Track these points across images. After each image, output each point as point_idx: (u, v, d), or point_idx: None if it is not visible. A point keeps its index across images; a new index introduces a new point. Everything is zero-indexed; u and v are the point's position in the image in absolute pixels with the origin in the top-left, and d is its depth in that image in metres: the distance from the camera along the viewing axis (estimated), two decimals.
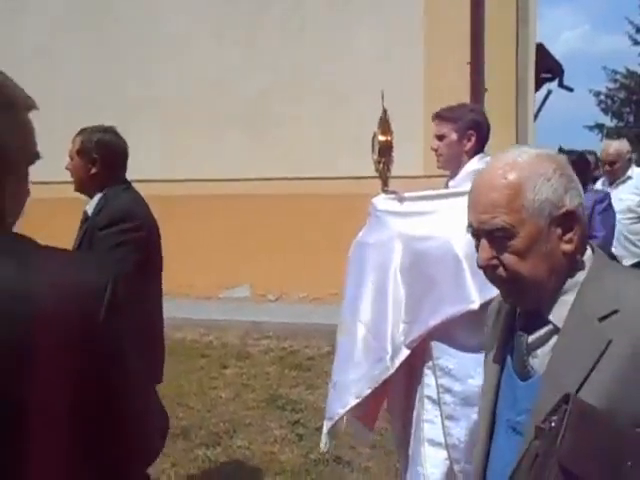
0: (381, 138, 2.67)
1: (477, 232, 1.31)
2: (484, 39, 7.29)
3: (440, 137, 2.61)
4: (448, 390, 2.37)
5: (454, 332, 2.36)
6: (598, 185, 5.62)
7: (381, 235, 2.52)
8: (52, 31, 8.14)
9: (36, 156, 1.08)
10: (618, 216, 4.83)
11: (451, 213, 2.37)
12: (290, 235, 7.50)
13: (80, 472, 0.92)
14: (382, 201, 2.63)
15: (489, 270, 1.27)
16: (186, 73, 7.95)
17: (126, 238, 2.50)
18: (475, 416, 2.29)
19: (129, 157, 2.85)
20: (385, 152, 2.65)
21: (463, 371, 2.35)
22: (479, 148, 2.60)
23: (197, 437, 4.22)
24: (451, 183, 2.62)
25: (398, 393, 2.62)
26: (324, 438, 2.59)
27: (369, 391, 2.42)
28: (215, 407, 4.75)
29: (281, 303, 7.78)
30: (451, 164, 2.62)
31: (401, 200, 2.59)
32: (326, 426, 2.56)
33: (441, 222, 2.41)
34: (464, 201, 2.47)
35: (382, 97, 2.68)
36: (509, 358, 1.33)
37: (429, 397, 2.44)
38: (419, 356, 2.44)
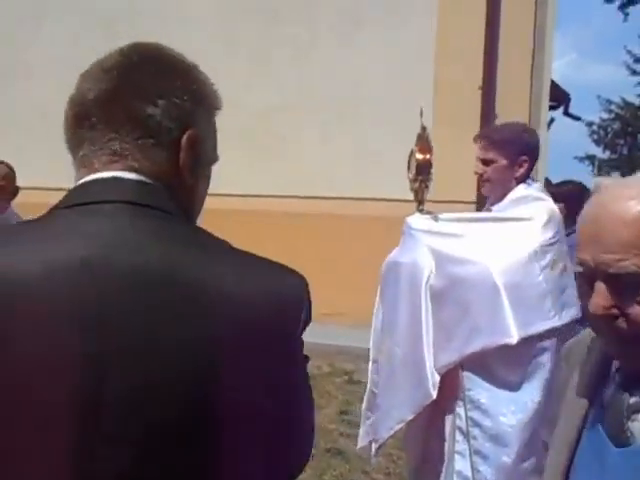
0: (419, 156, 2.56)
1: (592, 273, 1.05)
2: (497, 64, 7.29)
3: (486, 162, 2.46)
4: (477, 424, 2.28)
5: (488, 365, 2.27)
6: None
7: (414, 255, 2.42)
8: (67, 44, 8.05)
9: (217, 157, 1.05)
10: None
11: (490, 238, 2.32)
12: (288, 254, 7.40)
13: (254, 473, 0.92)
14: (417, 220, 2.51)
15: (604, 320, 1.04)
16: None
17: None
18: (506, 458, 2.22)
19: None
20: (423, 171, 2.56)
21: (495, 407, 2.26)
22: (529, 173, 2.49)
23: None
24: (494, 208, 2.51)
25: (418, 424, 2.50)
26: (373, 459, 2.61)
27: (412, 416, 2.35)
28: None
29: None
30: (498, 190, 2.50)
31: (437, 220, 2.48)
32: (374, 448, 2.51)
33: (479, 246, 2.32)
34: (506, 227, 2.39)
35: (421, 114, 2.61)
36: (595, 415, 1.13)
37: (460, 429, 2.35)
38: (448, 385, 2.34)
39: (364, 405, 2.66)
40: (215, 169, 1.07)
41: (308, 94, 7.55)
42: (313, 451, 3.63)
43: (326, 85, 7.53)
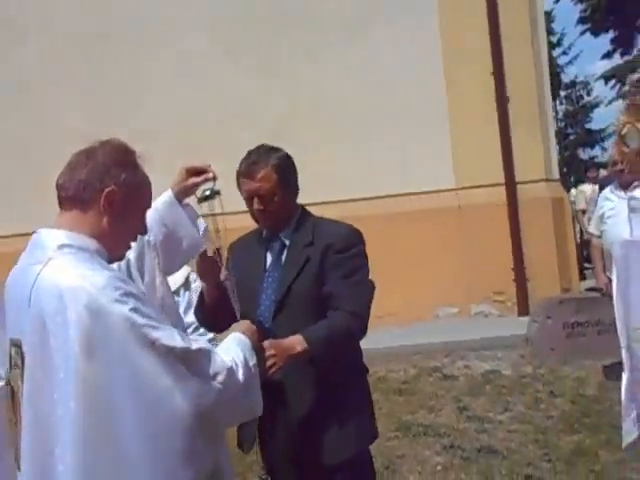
0: None
1: None
2: (502, 49, 7.44)
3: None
4: None
5: None
6: (607, 192, 5.14)
7: None
8: (52, 60, 7.73)
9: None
10: None
11: None
12: None
13: None
14: None
15: None
16: (200, 99, 7.68)
17: None
18: None
19: None
20: None
21: None
22: None
23: None
24: None
25: None
26: None
27: None
28: None
29: None
30: None
31: None
32: None
33: None
34: None
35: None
36: None
37: None
38: None
39: (624, 397, 2.70)
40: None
41: (327, 100, 7.62)
42: (461, 453, 3.88)
43: (341, 88, 7.61)
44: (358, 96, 7.56)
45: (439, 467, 3.97)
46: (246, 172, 2.13)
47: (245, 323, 1.80)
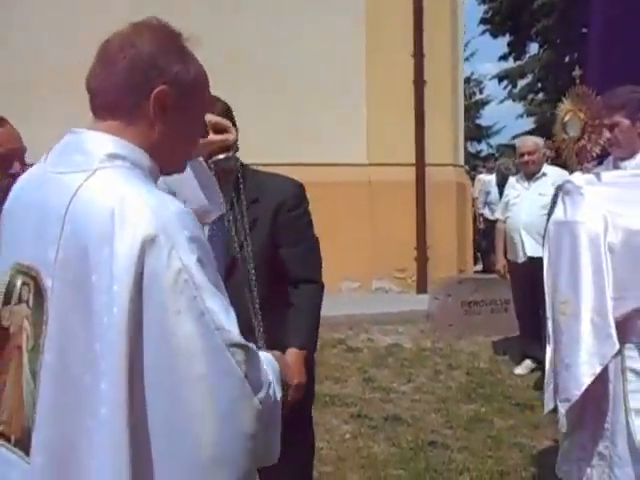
0: (582, 116, 2.63)
1: None
2: (423, 34, 7.62)
3: (611, 127, 2.62)
4: None
5: None
6: (512, 182, 5.71)
7: (587, 213, 2.54)
8: None
9: None
10: (540, 211, 4.84)
11: None
12: None
13: None
14: (581, 179, 2.63)
15: None
16: None
17: None
18: None
19: None
20: (588, 130, 2.63)
21: None
22: None
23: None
24: (631, 163, 2.65)
25: None
26: (562, 420, 2.57)
27: (600, 369, 2.45)
28: None
29: None
30: (627, 150, 2.65)
31: (599, 179, 2.61)
32: (563, 408, 2.53)
33: None
34: None
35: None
36: None
37: (632, 369, 2.50)
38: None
39: (547, 367, 2.72)
40: None
41: (242, 61, 7.47)
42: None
43: (260, 53, 7.52)
44: (280, 66, 7.50)
45: (348, 435, 4.07)
46: None
47: (276, 353, 1.35)
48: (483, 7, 22.19)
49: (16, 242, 1.17)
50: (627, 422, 2.48)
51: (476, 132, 28.49)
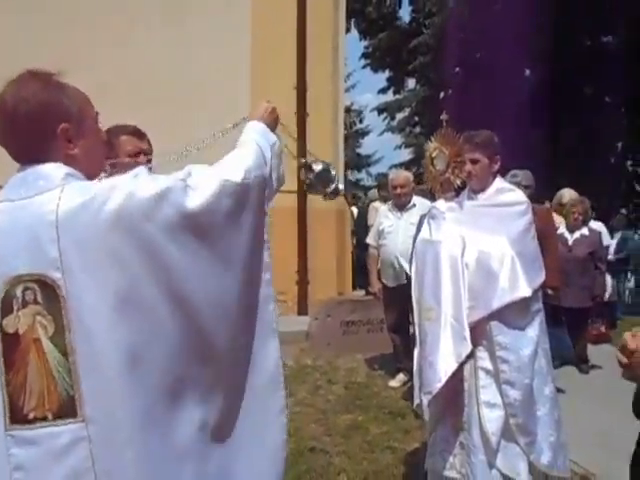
0: (446, 151, 3.13)
1: None
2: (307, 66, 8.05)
3: (474, 161, 3.08)
4: (505, 361, 2.89)
5: (507, 315, 2.90)
6: (385, 211, 6.04)
7: (448, 234, 3.02)
8: None
9: None
10: (409, 240, 4.95)
11: (501, 221, 3.00)
12: None
13: None
14: (444, 206, 3.13)
15: None
16: None
17: None
18: (527, 381, 2.89)
19: None
20: (452, 163, 3.13)
21: (515, 344, 2.90)
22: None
23: None
24: (483, 196, 3.12)
25: None
26: (425, 410, 2.98)
27: (457, 365, 2.86)
28: None
29: None
30: (482, 184, 3.12)
31: (461, 207, 3.11)
32: (426, 399, 2.93)
33: (493, 227, 2.97)
34: (505, 210, 3.04)
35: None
36: None
37: (483, 368, 2.95)
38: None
39: (415, 367, 3.14)
40: None
41: (126, 76, 7.44)
42: None
43: (144, 68, 7.54)
44: (165, 71, 7.56)
45: None
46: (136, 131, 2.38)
47: (259, 109, 1.87)
48: (364, 42, 23.31)
49: (6, 260, 1.38)
50: (479, 413, 2.92)
51: (357, 161, 29.63)
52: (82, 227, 1.34)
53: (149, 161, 2.62)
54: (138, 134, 2.52)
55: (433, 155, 3.19)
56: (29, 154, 1.44)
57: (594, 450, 4.17)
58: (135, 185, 1.38)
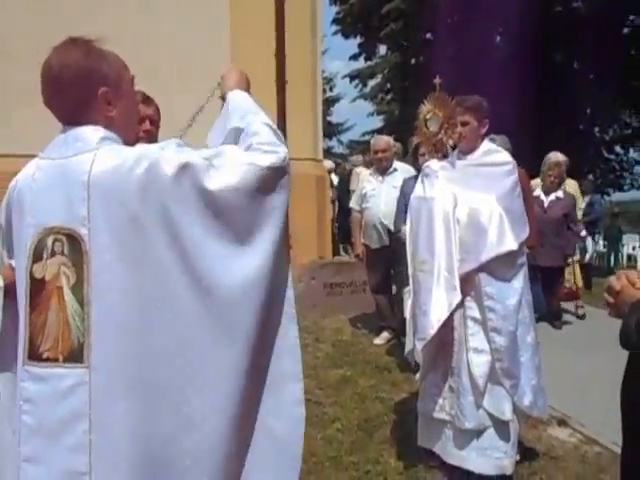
0: (440, 113, 3.29)
1: None
2: (285, 36, 8.10)
3: (464, 123, 3.28)
4: (492, 310, 3.12)
5: (495, 267, 3.11)
6: (366, 175, 6.29)
7: (441, 192, 3.22)
8: None
9: None
10: (394, 201, 5.42)
11: (489, 180, 3.20)
12: None
13: None
14: (437, 165, 3.32)
15: None
16: None
17: None
18: (511, 328, 3.12)
19: None
20: (445, 125, 3.30)
21: (501, 295, 3.12)
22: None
23: None
24: (472, 157, 3.30)
25: None
26: (417, 355, 3.22)
27: (448, 313, 3.08)
28: None
29: None
30: (471, 145, 3.31)
31: (453, 166, 3.30)
32: (420, 344, 3.16)
33: (483, 186, 3.17)
34: (493, 170, 3.23)
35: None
36: None
37: (471, 317, 3.18)
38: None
39: (408, 315, 3.36)
40: None
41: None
42: None
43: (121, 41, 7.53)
44: (141, 42, 7.42)
45: None
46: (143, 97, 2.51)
47: (232, 75, 1.89)
48: (335, 8, 23.13)
49: (42, 212, 1.51)
50: (467, 359, 3.17)
51: (328, 129, 29.64)
52: (109, 190, 1.44)
53: (157, 128, 2.76)
54: (146, 100, 2.63)
55: (427, 117, 3.37)
56: (72, 116, 1.56)
57: (568, 395, 4.50)
58: (161, 156, 1.46)
